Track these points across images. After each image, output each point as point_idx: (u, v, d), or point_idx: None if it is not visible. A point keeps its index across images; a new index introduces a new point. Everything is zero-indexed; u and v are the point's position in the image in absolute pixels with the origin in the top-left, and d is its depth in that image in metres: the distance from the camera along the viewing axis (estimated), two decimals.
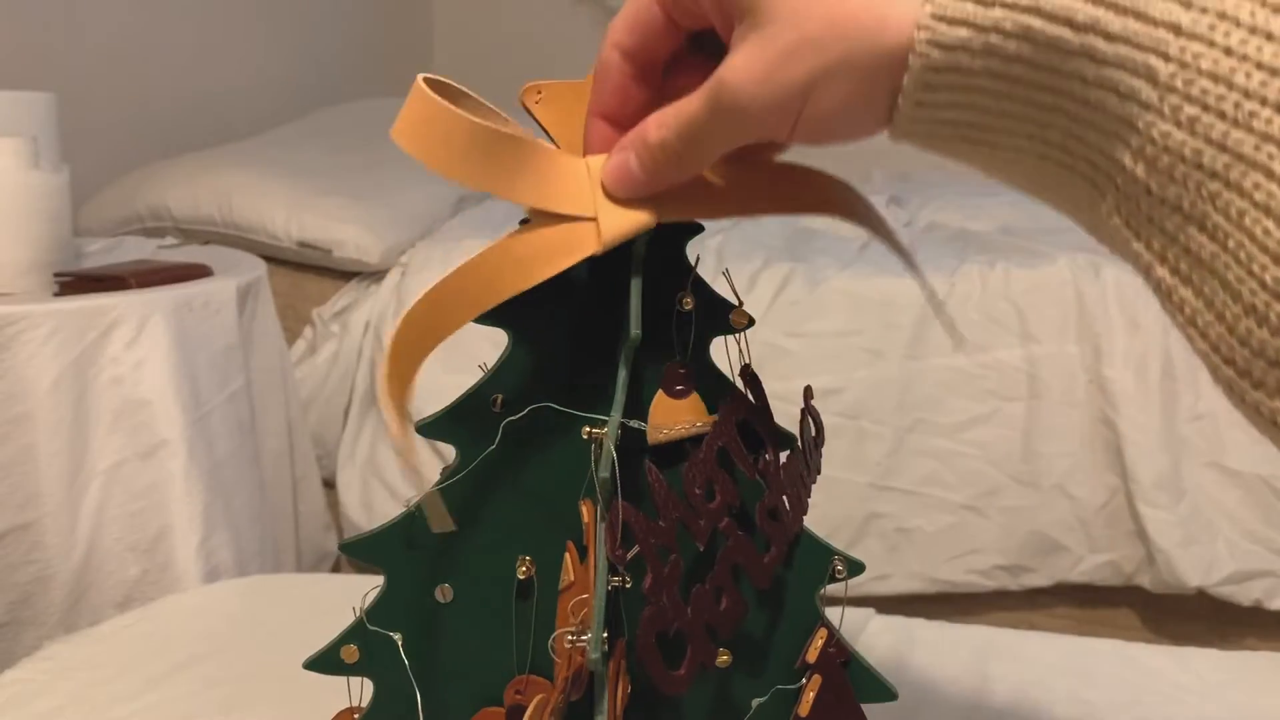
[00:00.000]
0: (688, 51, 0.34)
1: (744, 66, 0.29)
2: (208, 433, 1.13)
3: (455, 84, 0.34)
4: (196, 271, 1.24)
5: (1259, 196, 0.24)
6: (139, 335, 1.08)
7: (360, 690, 0.41)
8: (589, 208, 0.34)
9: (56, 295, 1.12)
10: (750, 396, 0.39)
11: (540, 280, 0.34)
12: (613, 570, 0.37)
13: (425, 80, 0.33)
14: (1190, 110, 0.24)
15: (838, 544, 0.41)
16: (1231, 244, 0.24)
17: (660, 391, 0.38)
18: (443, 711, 0.40)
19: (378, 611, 0.40)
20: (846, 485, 1.47)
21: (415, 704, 0.40)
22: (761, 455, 0.39)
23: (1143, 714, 0.60)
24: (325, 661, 0.40)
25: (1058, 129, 0.27)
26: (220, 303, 1.19)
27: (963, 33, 0.26)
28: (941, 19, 0.26)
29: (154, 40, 1.94)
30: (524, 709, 0.38)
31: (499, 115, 0.35)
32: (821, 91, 0.29)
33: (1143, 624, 1.48)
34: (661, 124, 0.32)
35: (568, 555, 0.38)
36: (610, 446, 0.35)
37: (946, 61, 0.27)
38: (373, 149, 1.94)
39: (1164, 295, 0.27)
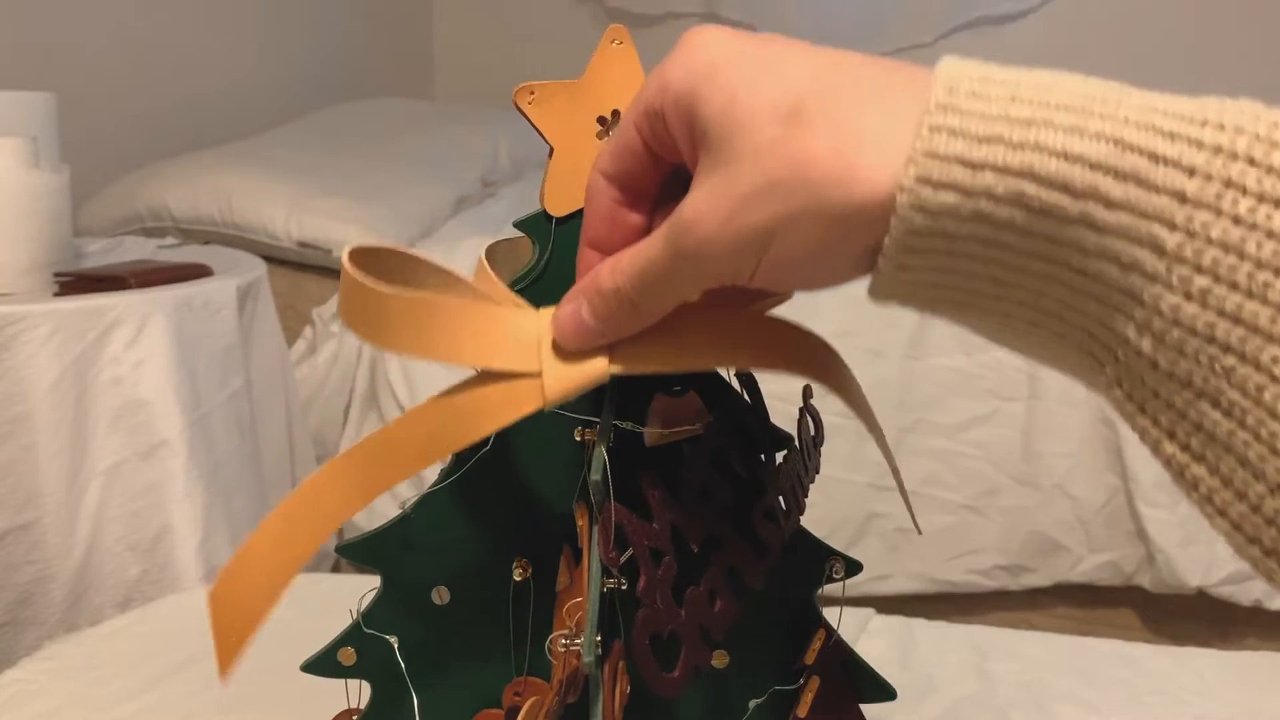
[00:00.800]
0: (676, 184, 0.32)
1: (704, 208, 0.28)
2: (208, 433, 1.13)
3: (391, 246, 0.33)
4: (196, 271, 1.24)
5: (1279, 371, 0.23)
6: (139, 335, 1.08)
7: (359, 691, 0.41)
8: (533, 363, 0.32)
9: (56, 295, 1.12)
10: (746, 397, 0.39)
11: (482, 437, 0.33)
12: (607, 573, 0.37)
13: (354, 254, 0.32)
14: (1201, 281, 0.23)
15: (838, 544, 0.41)
16: (1251, 421, 0.23)
17: (658, 392, 0.38)
18: (441, 713, 0.40)
19: (374, 614, 0.40)
20: (846, 485, 1.47)
21: (413, 706, 0.40)
22: (757, 456, 0.38)
23: (1143, 714, 0.60)
24: (322, 664, 0.40)
25: (1052, 297, 0.26)
26: (220, 303, 1.19)
27: (950, 198, 0.25)
28: (926, 182, 0.25)
29: (154, 40, 1.94)
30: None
31: (442, 272, 0.33)
32: (785, 238, 0.27)
33: (1143, 624, 1.48)
34: (616, 269, 0.30)
35: (563, 558, 0.38)
36: (602, 449, 0.35)
37: (931, 226, 0.25)
38: (373, 149, 1.94)
39: (1175, 472, 0.25)
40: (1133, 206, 0.23)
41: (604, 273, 0.31)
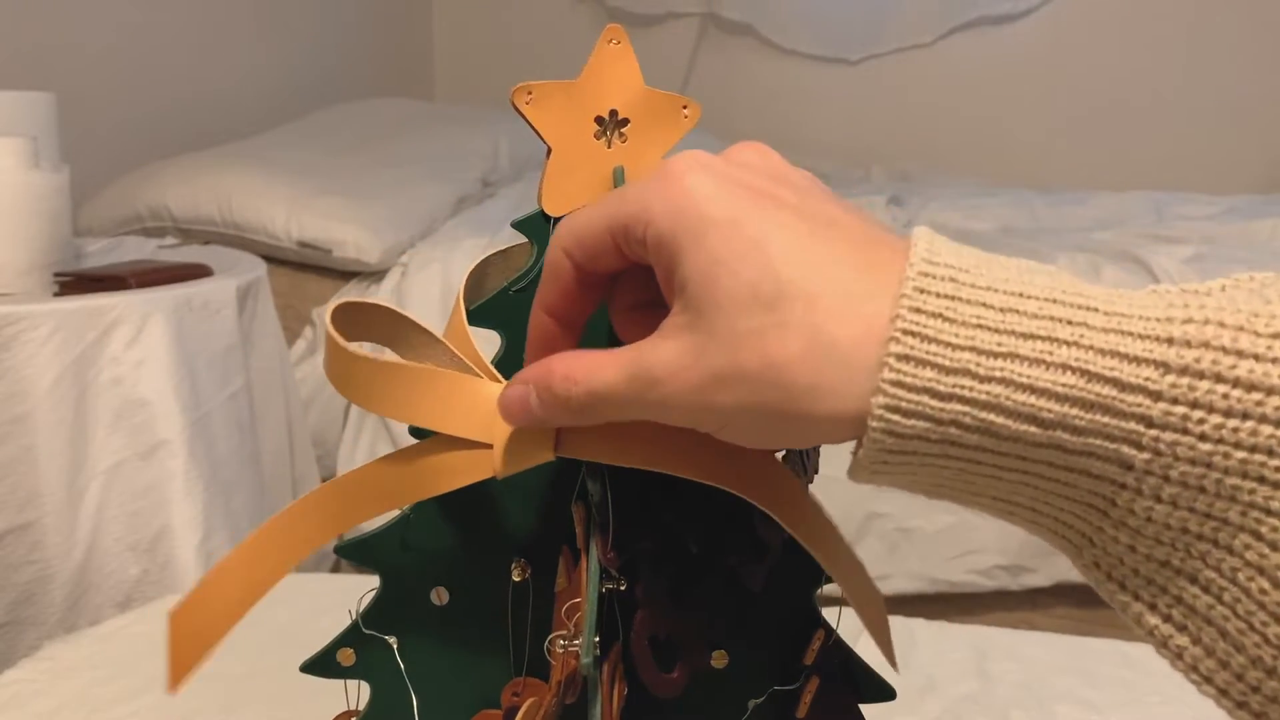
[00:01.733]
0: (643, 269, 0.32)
1: (675, 369, 0.27)
2: (208, 433, 1.13)
3: (376, 303, 0.35)
4: (196, 271, 1.24)
5: (1251, 556, 0.23)
6: (139, 335, 1.08)
7: (359, 691, 0.41)
8: (488, 434, 0.33)
9: (56, 295, 1.13)
10: None
11: (436, 494, 0.35)
12: (605, 574, 0.37)
13: (338, 310, 0.34)
14: (1171, 490, 0.24)
15: None
16: (1227, 598, 0.24)
17: None
18: (440, 713, 0.40)
19: (373, 614, 0.40)
20: (846, 485, 1.46)
21: (412, 706, 0.40)
22: None
23: (1143, 714, 0.60)
24: (321, 665, 0.40)
25: (1024, 496, 0.26)
26: (220, 303, 1.19)
27: (919, 424, 0.25)
28: (895, 410, 0.25)
29: (154, 40, 1.94)
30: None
31: (421, 331, 0.35)
32: (752, 422, 0.27)
33: None
34: (569, 378, 0.30)
35: (562, 558, 0.38)
36: None
37: (901, 446, 0.26)
38: (373, 149, 1.94)
39: (1158, 642, 0.26)
40: (1100, 432, 0.24)
41: (556, 376, 0.30)
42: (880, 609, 0.37)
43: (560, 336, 0.33)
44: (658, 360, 0.28)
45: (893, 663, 0.37)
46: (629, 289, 0.32)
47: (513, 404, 0.32)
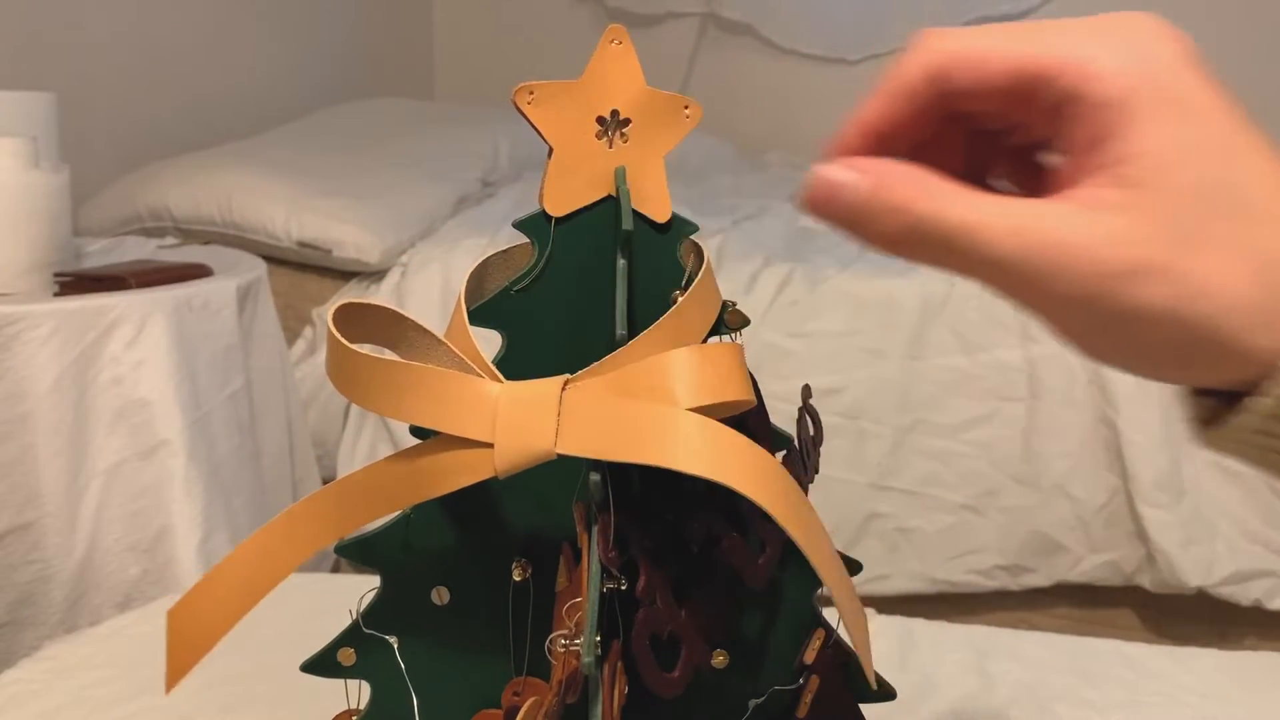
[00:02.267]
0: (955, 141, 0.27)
1: (1089, 245, 0.23)
2: (208, 433, 1.13)
3: (378, 304, 0.36)
4: (196, 271, 1.24)
5: None
6: (139, 335, 1.08)
7: (359, 691, 0.41)
8: (487, 433, 0.34)
9: (56, 295, 1.13)
10: None
11: (439, 495, 0.35)
12: (606, 573, 0.37)
13: (339, 311, 0.35)
14: None
15: (837, 544, 0.41)
16: None
17: None
18: (440, 713, 0.40)
19: (373, 614, 0.40)
20: (846, 485, 1.47)
21: (412, 706, 0.40)
22: None
23: (1143, 714, 0.60)
24: (322, 664, 0.40)
25: None
26: (220, 303, 1.19)
27: None
28: None
29: (154, 40, 1.94)
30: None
31: (424, 332, 0.35)
32: (1143, 331, 0.24)
33: (1143, 624, 1.48)
34: (924, 195, 0.25)
35: (563, 558, 0.38)
36: None
37: None
38: (373, 149, 1.94)
39: None
40: None
41: (911, 184, 0.25)
42: (862, 622, 0.36)
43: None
44: (1068, 225, 0.24)
45: (869, 680, 0.37)
46: (938, 158, 0.27)
47: (828, 183, 0.26)
